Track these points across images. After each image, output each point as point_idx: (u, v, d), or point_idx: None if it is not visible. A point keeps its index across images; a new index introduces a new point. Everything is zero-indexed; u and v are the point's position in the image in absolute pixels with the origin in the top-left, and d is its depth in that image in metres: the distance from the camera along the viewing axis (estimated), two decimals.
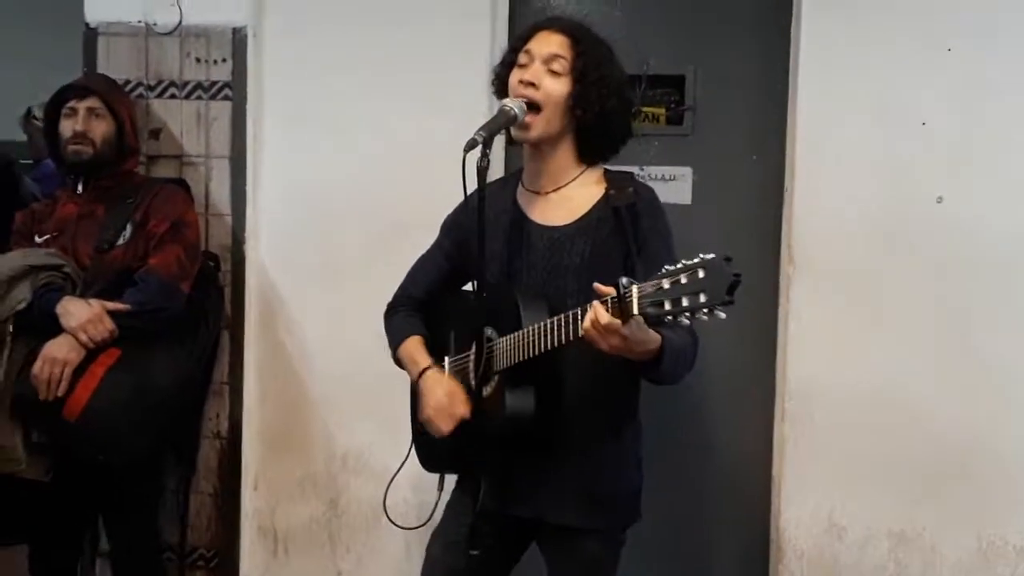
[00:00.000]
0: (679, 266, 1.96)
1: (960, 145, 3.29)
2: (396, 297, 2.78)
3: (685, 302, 1.93)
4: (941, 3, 3.28)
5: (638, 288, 2.02)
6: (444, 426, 2.47)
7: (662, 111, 3.59)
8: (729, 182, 3.54)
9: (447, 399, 2.47)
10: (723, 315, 1.91)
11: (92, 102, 3.38)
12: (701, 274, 1.92)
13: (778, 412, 3.44)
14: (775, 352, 3.45)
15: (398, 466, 2.79)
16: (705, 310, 1.91)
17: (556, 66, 2.42)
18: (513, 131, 2.43)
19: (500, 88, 2.52)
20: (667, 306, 1.96)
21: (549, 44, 2.44)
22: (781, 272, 3.42)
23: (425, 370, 2.57)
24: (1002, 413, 3.28)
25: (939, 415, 3.30)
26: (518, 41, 2.51)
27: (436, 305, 2.71)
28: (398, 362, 2.70)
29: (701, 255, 1.93)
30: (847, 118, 3.32)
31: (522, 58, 2.46)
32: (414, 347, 2.64)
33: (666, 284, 1.96)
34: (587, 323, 2.12)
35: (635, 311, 2.02)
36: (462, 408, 2.45)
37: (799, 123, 3.36)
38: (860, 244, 3.33)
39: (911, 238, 3.30)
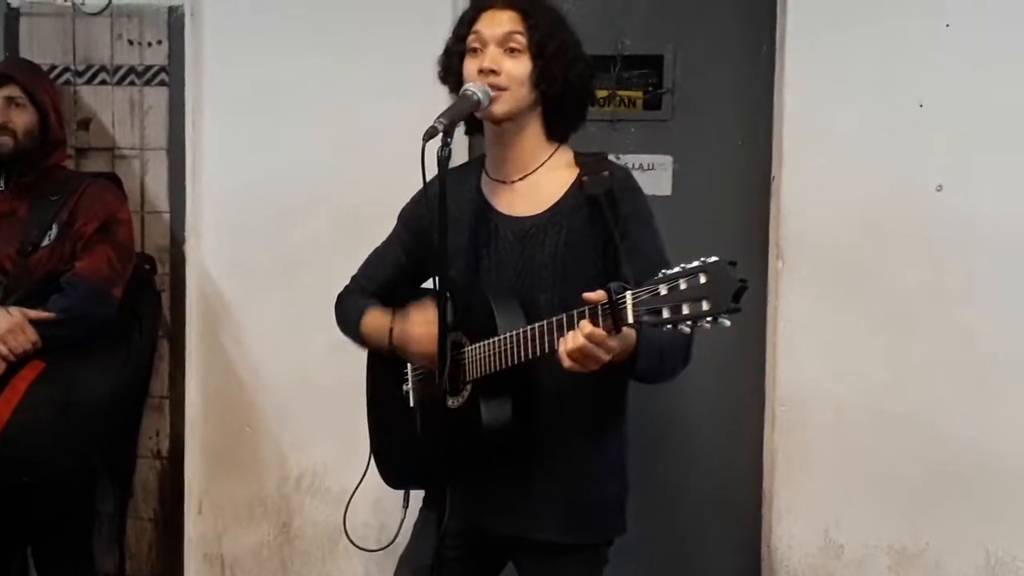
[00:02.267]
0: (677, 270, 1.97)
1: (960, 128, 3.32)
2: (346, 288, 2.79)
3: (686, 310, 1.93)
4: None
5: (632, 294, 2.03)
6: (433, 346, 2.42)
7: (639, 95, 3.62)
8: (712, 171, 3.57)
9: (427, 321, 2.46)
10: (727, 323, 1.92)
11: (11, 90, 3.37)
12: (703, 279, 1.93)
13: (768, 420, 3.47)
14: (764, 355, 3.47)
15: (363, 486, 2.80)
16: (709, 318, 1.92)
17: (513, 44, 2.44)
18: (478, 113, 2.44)
19: (454, 81, 2.52)
20: (666, 314, 1.96)
21: (500, 23, 2.45)
22: (769, 268, 3.44)
23: (393, 327, 2.57)
24: (1010, 417, 3.31)
25: (942, 421, 3.33)
26: (463, 26, 2.52)
27: (394, 303, 2.70)
28: (362, 340, 2.68)
29: (702, 259, 1.94)
30: (839, 100, 3.35)
31: (472, 43, 2.47)
32: (378, 314, 2.63)
33: (663, 290, 1.97)
34: (575, 342, 2.12)
35: (630, 319, 2.03)
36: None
37: (787, 106, 3.39)
38: (854, 237, 3.35)
39: (909, 230, 3.33)
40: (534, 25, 2.45)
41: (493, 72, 2.42)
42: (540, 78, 2.44)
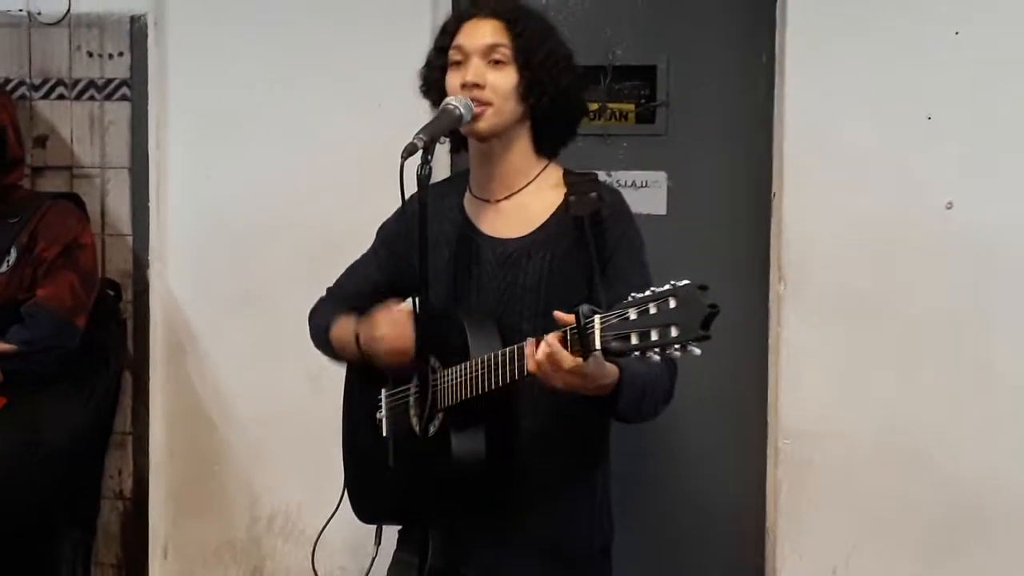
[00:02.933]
0: (647, 294, 1.95)
1: (971, 142, 3.29)
2: (321, 300, 2.78)
3: (654, 336, 1.91)
4: None
5: (600, 319, 2.00)
6: (400, 343, 2.43)
7: (631, 108, 3.59)
8: (709, 189, 3.54)
9: (393, 322, 2.45)
10: (697, 351, 1.89)
11: None
12: (672, 303, 1.90)
13: (771, 454, 3.43)
14: (765, 385, 3.45)
15: (333, 523, 2.75)
16: (676, 345, 1.89)
17: (497, 55, 2.41)
18: (462, 128, 2.42)
19: (437, 95, 2.49)
20: (634, 340, 1.94)
21: (482, 34, 2.43)
22: (771, 292, 3.42)
23: (359, 332, 2.54)
24: None
25: (957, 455, 3.30)
26: (444, 37, 2.50)
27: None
28: (333, 352, 2.67)
29: (672, 282, 1.92)
30: (842, 113, 3.33)
31: (455, 55, 2.45)
32: (346, 321, 2.61)
33: (633, 314, 1.95)
34: (540, 355, 2.11)
35: (597, 345, 2.01)
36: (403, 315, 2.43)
37: (788, 119, 3.36)
38: (860, 258, 3.33)
39: (918, 250, 3.31)
40: (520, 34, 2.42)
41: (477, 86, 2.39)
42: (527, 91, 2.41)
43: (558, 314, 2.12)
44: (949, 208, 3.30)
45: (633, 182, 3.55)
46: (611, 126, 3.56)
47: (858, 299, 3.34)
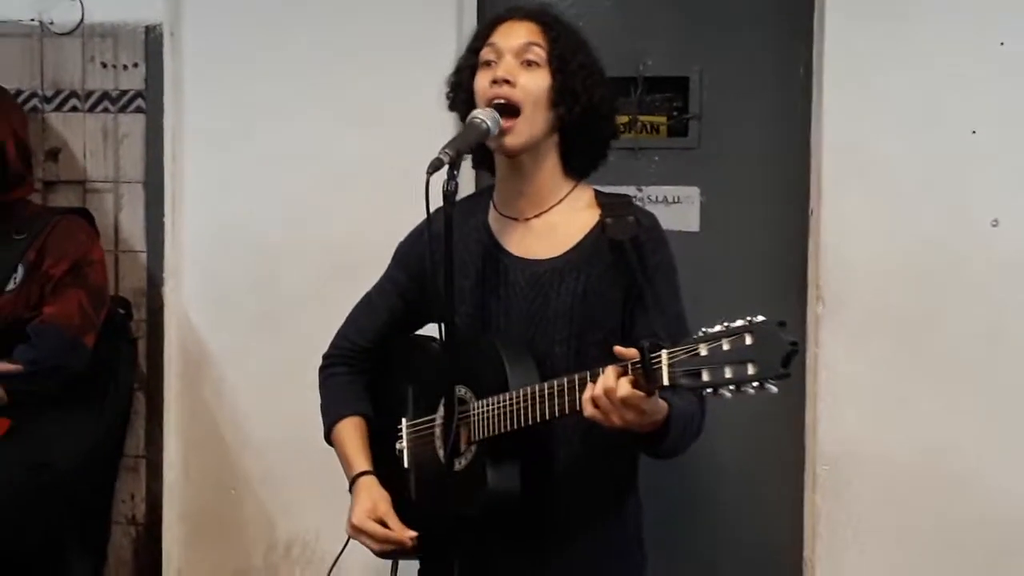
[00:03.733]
0: (719, 329, 1.94)
1: (1017, 157, 3.29)
2: (334, 346, 2.75)
3: (728, 373, 1.91)
4: None
5: (668, 353, 2.00)
6: (371, 543, 2.52)
7: (663, 120, 3.59)
8: (744, 205, 3.53)
9: (370, 514, 2.52)
10: (775, 389, 1.89)
11: None
12: (748, 340, 1.90)
13: (808, 480, 3.42)
14: (803, 409, 3.43)
15: (352, 552, 2.71)
16: (754, 383, 1.89)
17: (531, 56, 2.41)
18: (491, 142, 2.41)
19: (465, 99, 2.49)
20: (705, 377, 1.93)
21: (518, 34, 2.43)
22: (808, 312, 3.40)
23: (359, 476, 2.60)
24: None
25: (1001, 480, 3.28)
26: (477, 40, 2.50)
27: (388, 351, 2.68)
28: (331, 443, 2.70)
29: (748, 318, 1.91)
30: (883, 127, 3.32)
31: (487, 55, 2.44)
32: (351, 438, 2.65)
33: (704, 350, 1.94)
34: (598, 390, 2.10)
35: (665, 381, 2.00)
36: (398, 531, 2.48)
37: (825, 133, 3.36)
38: (901, 278, 3.32)
39: (962, 269, 3.30)
40: (555, 38, 2.43)
41: (507, 83, 2.38)
42: (559, 96, 2.40)
43: (619, 349, 2.10)
44: (995, 225, 3.29)
45: (665, 197, 3.55)
46: (642, 139, 3.56)
47: (899, 320, 3.32)
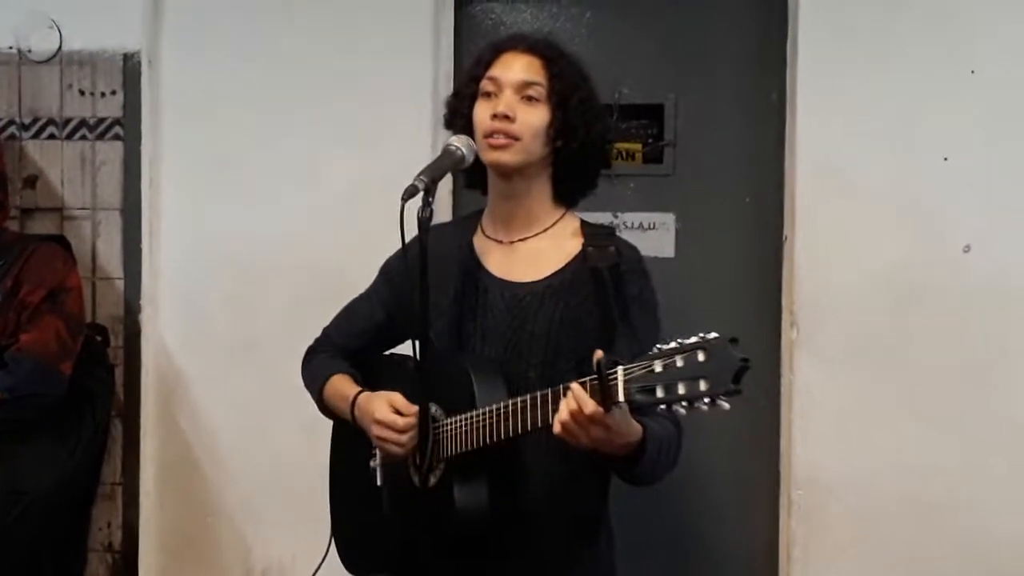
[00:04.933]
0: (673, 346, 1.96)
1: (989, 183, 3.33)
2: (316, 342, 2.78)
3: (681, 389, 1.93)
4: (962, 19, 3.33)
5: (624, 370, 2.01)
6: (395, 436, 2.41)
7: (638, 147, 3.62)
8: (718, 231, 3.57)
9: (389, 407, 2.44)
10: (726, 406, 1.91)
11: None
12: (701, 356, 1.92)
13: (784, 505, 3.44)
14: (778, 434, 3.45)
15: (316, 570, 2.76)
16: (706, 400, 1.90)
17: (531, 92, 2.42)
18: (486, 156, 2.42)
19: (463, 126, 2.50)
20: (659, 393, 1.95)
21: (518, 69, 2.45)
22: (783, 338, 3.43)
23: (357, 396, 2.55)
24: None
25: (975, 505, 3.30)
26: (478, 67, 2.51)
27: (363, 368, 2.69)
28: (324, 408, 2.68)
29: (701, 335, 1.93)
30: (856, 153, 3.36)
31: (487, 87, 2.46)
32: (342, 381, 2.63)
33: (658, 367, 1.96)
34: (564, 412, 2.11)
35: (620, 397, 2.01)
36: (409, 408, 2.41)
37: (799, 160, 3.39)
38: (875, 303, 3.35)
39: (935, 295, 3.33)
40: (557, 74, 2.45)
41: (507, 118, 2.40)
42: (558, 132, 2.43)
43: (600, 353, 2.09)
44: (967, 251, 3.33)
45: (640, 224, 3.58)
46: (618, 166, 3.58)
47: (873, 345, 3.35)
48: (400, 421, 2.40)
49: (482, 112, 2.44)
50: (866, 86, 3.35)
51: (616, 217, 3.55)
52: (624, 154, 3.60)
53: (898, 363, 3.34)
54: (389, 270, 2.70)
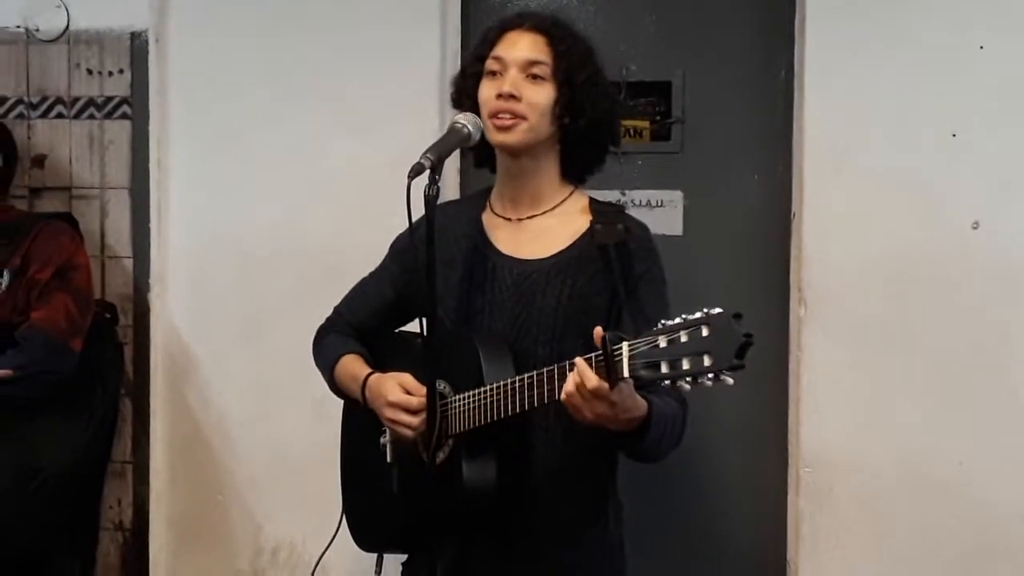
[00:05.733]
0: (678, 321, 1.97)
1: (997, 160, 3.32)
2: (327, 321, 2.80)
3: (686, 365, 1.94)
4: None
5: (629, 346, 2.02)
6: (408, 418, 2.43)
7: (645, 124, 3.62)
8: (726, 208, 3.56)
9: (401, 389, 2.45)
10: (730, 381, 1.92)
11: None
12: (705, 332, 1.92)
13: (791, 483, 3.44)
14: (786, 411, 3.45)
15: (334, 556, 2.77)
16: (710, 375, 1.91)
17: (536, 71, 2.43)
18: (493, 137, 2.43)
19: (470, 106, 2.50)
20: (664, 368, 1.96)
21: (523, 48, 2.45)
22: (791, 315, 3.43)
23: (367, 377, 2.56)
24: None
25: (981, 484, 3.30)
26: (483, 46, 2.52)
27: (374, 347, 2.70)
28: (335, 387, 2.70)
29: (705, 310, 1.94)
30: (864, 130, 3.35)
31: (492, 66, 2.46)
32: (352, 362, 2.64)
33: (663, 342, 1.97)
34: (570, 386, 2.12)
35: (625, 373, 2.03)
36: (420, 389, 2.42)
37: (807, 137, 3.38)
38: (883, 280, 3.35)
39: (943, 272, 3.33)
40: (562, 52, 2.45)
41: (513, 97, 2.41)
42: (564, 110, 2.44)
43: (599, 331, 2.09)
44: (975, 228, 3.32)
45: (648, 201, 3.58)
46: (625, 143, 3.56)
47: (881, 322, 3.35)
48: (413, 401, 2.42)
49: (487, 92, 2.45)
50: (874, 63, 3.34)
51: (624, 195, 3.55)
52: (632, 132, 3.60)
53: (906, 340, 3.34)
54: (398, 248, 2.72)
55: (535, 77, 2.42)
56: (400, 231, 2.62)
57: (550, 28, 2.47)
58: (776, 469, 3.48)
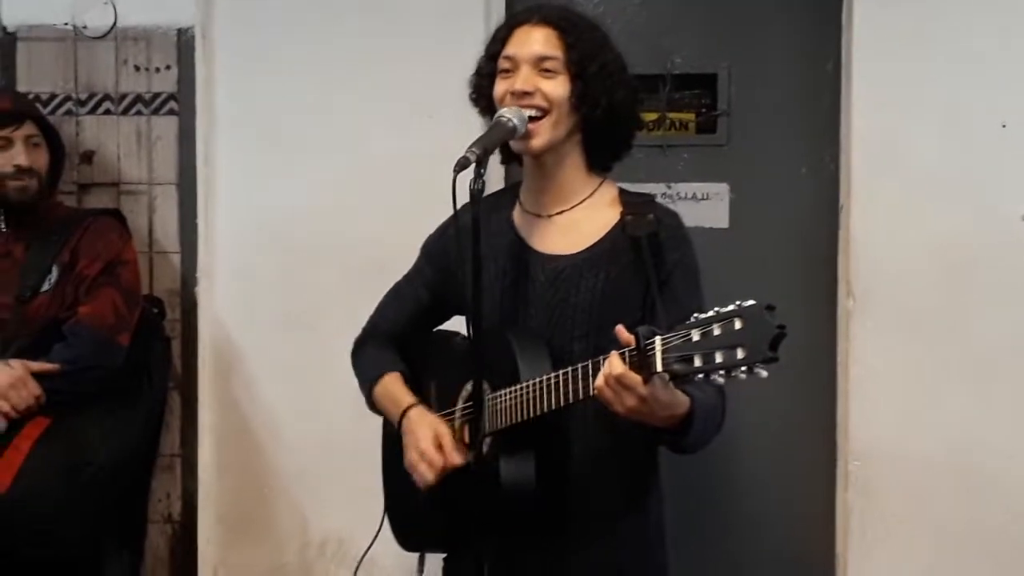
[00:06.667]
0: (711, 314, 1.96)
1: None
2: (364, 331, 2.80)
3: (719, 358, 1.92)
4: None
5: (662, 339, 2.02)
6: (428, 473, 2.45)
7: (691, 117, 3.61)
8: (774, 201, 3.56)
9: (434, 440, 2.45)
10: (764, 374, 1.90)
11: (29, 129, 3.39)
12: (738, 324, 1.91)
13: (840, 476, 3.44)
14: (835, 404, 3.45)
15: (381, 550, 2.77)
16: (743, 368, 1.90)
17: (548, 66, 2.42)
18: (513, 143, 2.43)
19: (486, 104, 2.51)
20: (697, 362, 1.95)
21: (532, 43, 2.43)
22: (839, 308, 3.43)
23: (408, 408, 2.55)
24: None
25: None
26: (495, 44, 2.51)
27: (411, 347, 2.71)
28: (372, 404, 2.70)
29: (738, 302, 1.93)
30: (913, 122, 3.35)
31: (504, 64, 2.46)
32: (394, 384, 2.64)
33: (696, 336, 1.96)
34: (600, 379, 2.12)
35: (658, 367, 2.02)
36: (453, 453, 2.43)
37: (856, 129, 3.38)
38: (932, 272, 3.35)
39: (993, 264, 3.32)
40: (573, 44, 2.43)
41: (526, 94, 2.40)
42: (581, 100, 2.42)
43: (620, 329, 2.11)
44: None
45: (694, 194, 3.57)
46: (671, 136, 3.59)
47: (930, 314, 3.35)
48: (439, 462, 2.42)
49: (501, 89, 2.44)
50: (923, 53, 3.33)
51: (669, 188, 3.55)
52: (677, 124, 3.60)
53: (954, 332, 3.33)
54: (430, 251, 2.72)
55: (548, 71, 2.41)
56: (440, 223, 2.63)
57: (559, 20, 2.45)
58: (825, 463, 3.48)
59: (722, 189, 3.57)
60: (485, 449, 2.40)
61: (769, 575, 3.56)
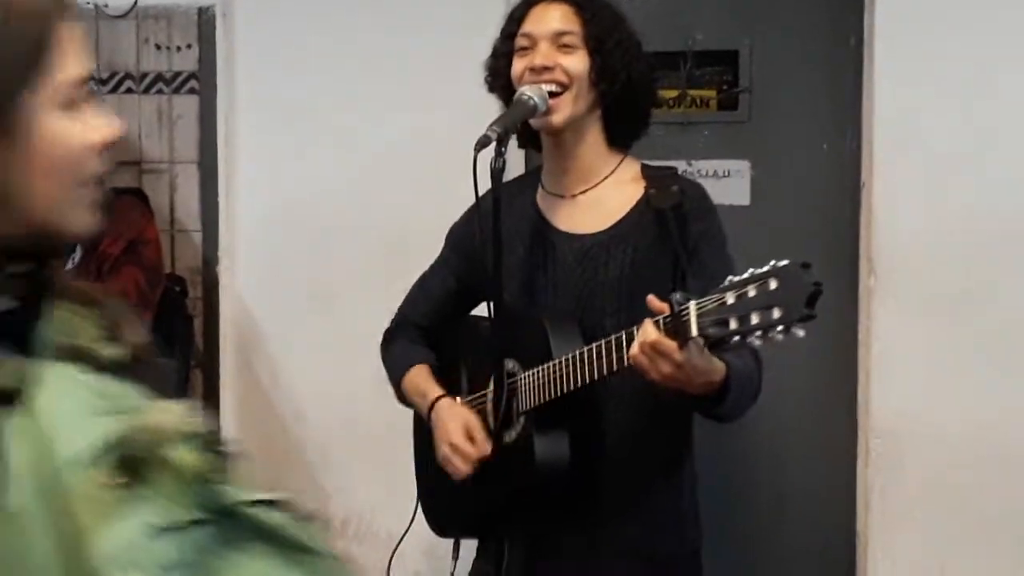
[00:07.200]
0: (746, 276, 1.96)
1: None
2: (394, 323, 2.81)
3: (755, 319, 1.92)
4: None
5: (696, 304, 2.02)
6: (462, 466, 2.47)
7: (712, 94, 3.60)
8: (795, 178, 3.55)
9: (465, 432, 2.48)
10: (801, 333, 1.90)
11: None
12: (773, 284, 1.91)
13: (861, 455, 3.42)
14: (856, 382, 3.44)
15: (412, 530, 2.77)
16: (780, 327, 1.90)
17: (566, 41, 2.43)
18: (534, 121, 2.44)
19: (503, 85, 2.52)
20: (733, 325, 1.95)
21: (550, 20, 2.45)
22: (860, 286, 3.41)
23: (436, 400, 2.58)
24: None
25: None
26: (511, 24, 2.53)
27: (442, 333, 2.73)
28: (402, 398, 2.72)
29: (773, 262, 1.93)
30: (936, 98, 3.31)
31: (522, 42, 2.47)
32: (421, 376, 2.66)
33: (730, 299, 1.96)
34: (635, 347, 2.11)
35: (694, 332, 2.02)
36: (484, 444, 2.46)
37: (878, 105, 3.35)
38: (953, 250, 3.32)
39: (1015, 241, 3.29)
40: (590, 19, 2.45)
41: (546, 69, 2.41)
42: (599, 75, 2.43)
43: (652, 299, 2.11)
44: None
45: (715, 171, 3.57)
46: (692, 113, 3.58)
47: (952, 292, 3.33)
48: (473, 455, 2.45)
49: (519, 67, 2.45)
50: (946, 29, 3.30)
51: (690, 165, 3.55)
52: (698, 101, 3.60)
53: (976, 310, 3.31)
54: (456, 237, 2.73)
55: (566, 47, 2.42)
56: (466, 203, 2.61)
57: None
58: (846, 441, 3.46)
59: (743, 166, 3.56)
60: (519, 429, 2.42)
61: (790, 553, 3.56)
